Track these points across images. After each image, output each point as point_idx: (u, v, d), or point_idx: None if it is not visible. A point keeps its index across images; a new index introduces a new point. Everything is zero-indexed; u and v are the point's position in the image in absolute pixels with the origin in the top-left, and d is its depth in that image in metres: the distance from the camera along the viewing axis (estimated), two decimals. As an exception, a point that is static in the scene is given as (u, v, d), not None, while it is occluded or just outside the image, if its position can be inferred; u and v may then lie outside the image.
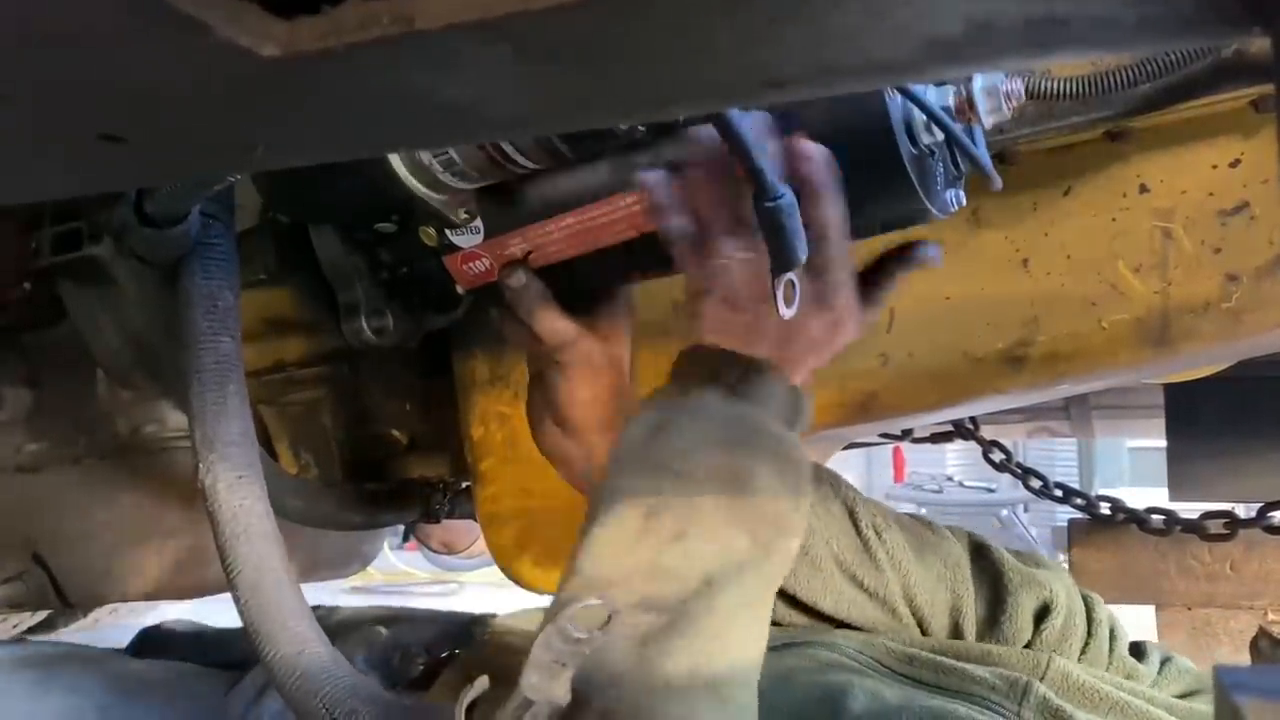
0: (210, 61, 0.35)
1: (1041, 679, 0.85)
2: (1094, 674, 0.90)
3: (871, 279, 0.87)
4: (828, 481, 0.98)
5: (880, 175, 0.74)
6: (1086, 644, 0.98)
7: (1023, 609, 0.97)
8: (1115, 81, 0.84)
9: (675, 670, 0.66)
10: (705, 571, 0.71)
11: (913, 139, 0.74)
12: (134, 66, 0.36)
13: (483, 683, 0.64)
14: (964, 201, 0.82)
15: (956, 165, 0.81)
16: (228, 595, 0.83)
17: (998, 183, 0.78)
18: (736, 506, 0.73)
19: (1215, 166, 0.91)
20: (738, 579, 0.71)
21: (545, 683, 0.61)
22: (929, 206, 0.76)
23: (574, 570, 0.72)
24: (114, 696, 1.04)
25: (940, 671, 0.86)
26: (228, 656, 1.11)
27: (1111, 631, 1.00)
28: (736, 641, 0.70)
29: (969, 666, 0.86)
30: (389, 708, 0.77)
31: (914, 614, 0.96)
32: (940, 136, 0.75)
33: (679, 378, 0.80)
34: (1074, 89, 0.85)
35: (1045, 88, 0.85)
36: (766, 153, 0.70)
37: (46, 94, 0.38)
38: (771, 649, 0.77)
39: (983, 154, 0.77)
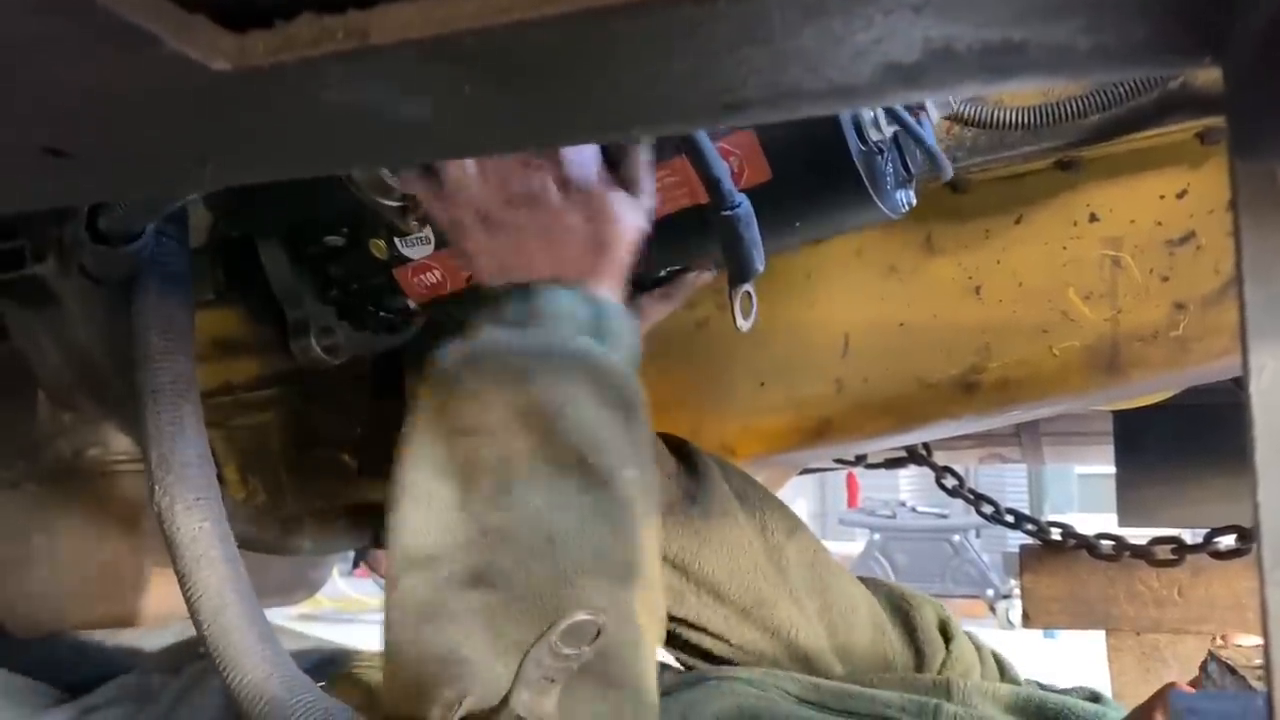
0: (159, 75, 0.34)
1: (948, 699, 0.84)
2: (996, 687, 0.90)
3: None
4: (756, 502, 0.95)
5: (829, 173, 0.74)
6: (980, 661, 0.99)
7: (929, 624, 0.97)
8: (1065, 112, 0.85)
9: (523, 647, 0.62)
10: (543, 529, 0.65)
11: (861, 136, 0.74)
12: (79, 79, 0.35)
13: (469, 702, 0.62)
14: (914, 202, 0.82)
15: (906, 166, 0.81)
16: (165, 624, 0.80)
17: (948, 170, 0.78)
18: (556, 444, 0.67)
19: (1163, 197, 0.93)
20: (581, 530, 0.65)
21: (535, 700, 0.59)
22: (879, 204, 0.76)
23: (392, 549, 0.68)
24: None
25: (848, 697, 0.83)
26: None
27: (989, 652, 1.01)
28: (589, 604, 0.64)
29: (876, 692, 0.84)
30: None
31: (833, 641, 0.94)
32: (889, 134, 0.75)
33: (460, 327, 0.73)
34: (1025, 119, 0.86)
35: (998, 117, 0.87)
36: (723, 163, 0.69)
37: (-13, 106, 0.37)
38: (667, 693, 0.74)
39: (932, 143, 0.77)
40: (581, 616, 0.62)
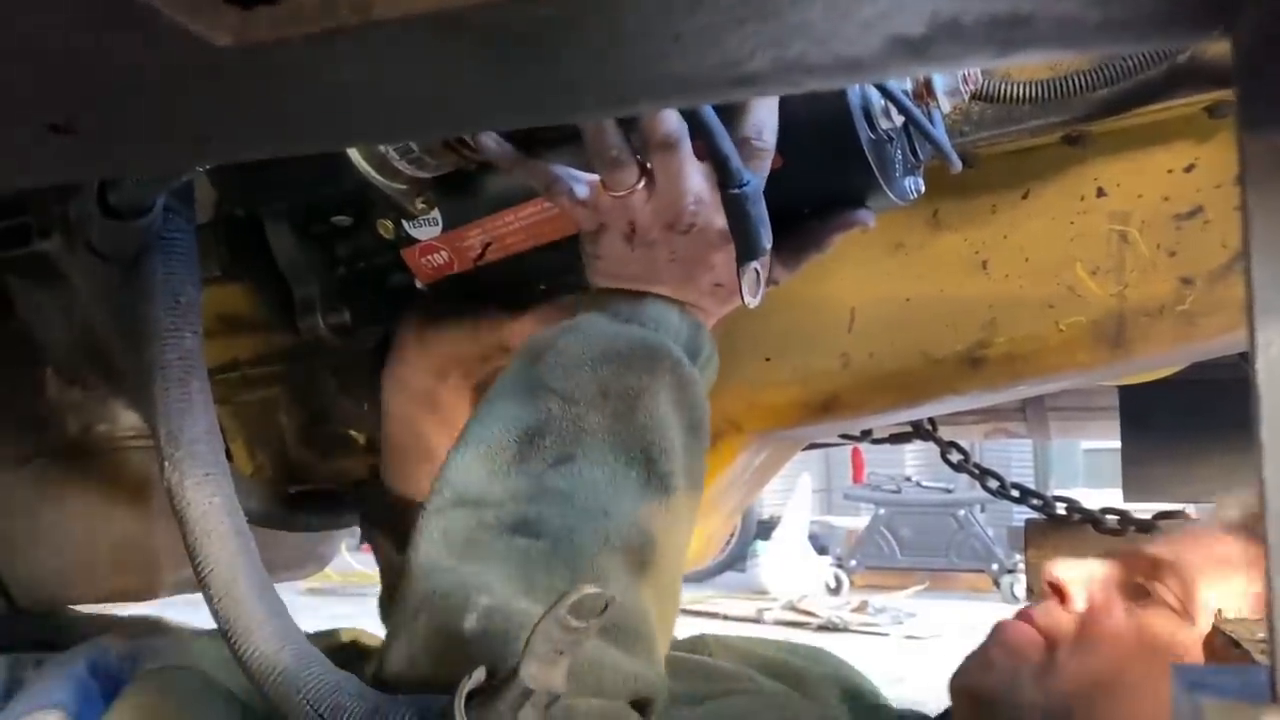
0: (162, 50, 0.34)
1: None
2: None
3: (797, 240, 0.83)
4: None
5: (838, 160, 0.74)
6: None
7: None
8: (1073, 86, 0.85)
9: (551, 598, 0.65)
10: (601, 501, 0.69)
11: (871, 124, 0.74)
12: (83, 55, 0.35)
13: (479, 674, 0.63)
14: (922, 189, 0.82)
15: (915, 153, 0.81)
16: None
17: (957, 165, 0.78)
18: (629, 431, 0.71)
19: (1170, 171, 0.92)
20: (633, 518, 0.69)
21: (544, 672, 0.60)
22: (887, 192, 0.76)
23: (442, 485, 0.71)
24: None
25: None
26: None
27: None
28: (622, 588, 0.68)
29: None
30: (377, 702, 0.75)
31: None
32: (898, 122, 0.75)
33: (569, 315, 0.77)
34: (1033, 93, 0.86)
35: (1005, 91, 0.86)
36: (731, 140, 0.69)
37: (-8, 82, 0.37)
38: (696, 701, 0.75)
39: (942, 136, 0.77)
40: (590, 590, 0.62)
